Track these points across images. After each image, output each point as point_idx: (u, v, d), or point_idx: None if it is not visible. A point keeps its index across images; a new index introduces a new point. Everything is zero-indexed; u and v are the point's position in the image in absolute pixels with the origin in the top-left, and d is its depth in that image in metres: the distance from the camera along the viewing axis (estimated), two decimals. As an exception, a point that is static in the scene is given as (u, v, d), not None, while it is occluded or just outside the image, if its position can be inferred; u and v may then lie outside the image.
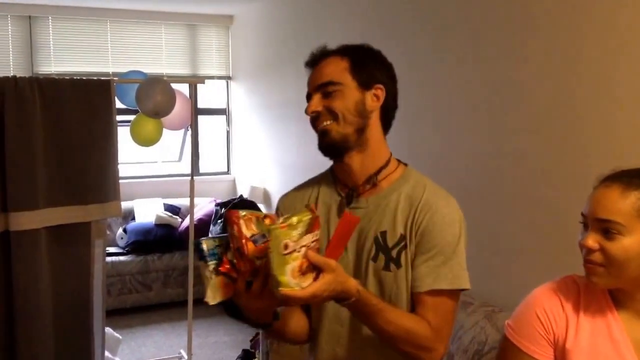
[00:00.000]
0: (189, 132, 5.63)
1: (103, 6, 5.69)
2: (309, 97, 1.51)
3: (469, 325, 2.64)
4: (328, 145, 1.48)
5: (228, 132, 6.66)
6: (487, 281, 2.94)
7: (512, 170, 2.80)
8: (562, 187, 2.54)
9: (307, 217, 1.23)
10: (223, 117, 6.63)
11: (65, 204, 2.86)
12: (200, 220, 5.51)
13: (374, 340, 1.46)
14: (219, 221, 5.39)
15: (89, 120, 2.89)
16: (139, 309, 5.29)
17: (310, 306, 1.60)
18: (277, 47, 5.33)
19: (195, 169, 6.08)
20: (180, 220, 5.74)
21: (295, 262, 1.21)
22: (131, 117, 3.79)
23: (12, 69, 5.50)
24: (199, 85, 5.32)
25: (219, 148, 6.69)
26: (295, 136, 4.91)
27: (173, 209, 5.86)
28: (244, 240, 1.26)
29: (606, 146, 2.33)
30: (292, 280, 1.21)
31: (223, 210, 5.50)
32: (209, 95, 6.51)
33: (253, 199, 5.69)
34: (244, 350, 4.23)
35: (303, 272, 1.22)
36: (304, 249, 1.22)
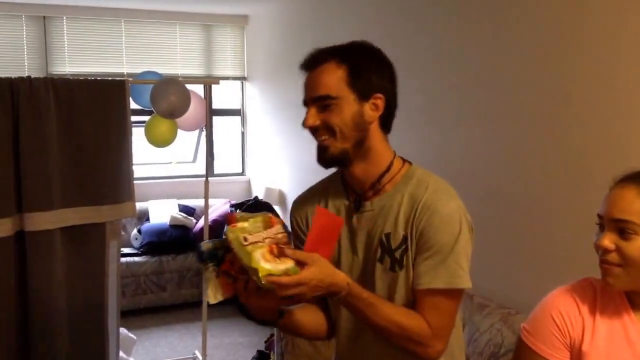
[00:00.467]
0: (204, 133, 5.65)
1: (118, 6, 5.71)
2: (305, 104, 1.48)
3: (484, 327, 2.62)
4: (327, 161, 1.47)
5: (243, 133, 6.66)
6: (503, 283, 2.91)
7: (527, 172, 2.78)
8: (578, 188, 2.51)
9: (260, 216, 1.32)
10: (238, 118, 6.64)
11: (80, 204, 2.87)
12: (214, 221, 5.52)
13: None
14: (234, 222, 5.39)
15: (103, 121, 2.90)
16: (154, 309, 5.31)
17: (329, 303, 1.61)
18: (293, 47, 5.32)
19: (209, 170, 6.08)
20: (194, 221, 5.75)
21: (261, 249, 1.27)
22: (146, 118, 3.80)
23: (26, 69, 5.54)
24: (213, 86, 5.33)
25: (233, 149, 6.70)
26: (310, 137, 4.87)
27: (188, 210, 5.87)
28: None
29: (623, 147, 2.30)
30: (266, 264, 1.25)
31: (237, 211, 5.50)
32: (224, 96, 6.52)
33: (268, 200, 5.69)
34: (259, 352, 4.22)
35: (276, 256, 1.27)
36: (267, 239, 1.28)
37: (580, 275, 1.51)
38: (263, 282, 1.23)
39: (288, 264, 1.28)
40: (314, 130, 1.47)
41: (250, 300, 1.36)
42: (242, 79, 6.46)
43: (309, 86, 1.46)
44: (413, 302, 1.46)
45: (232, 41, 6.39)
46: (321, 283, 1.30)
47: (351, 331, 1.57)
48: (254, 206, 5.45)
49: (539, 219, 2.72)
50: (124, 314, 3.29)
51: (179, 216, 5.68)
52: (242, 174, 6.73)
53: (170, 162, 6.27)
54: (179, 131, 3.82)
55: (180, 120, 3.68)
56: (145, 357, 4.38)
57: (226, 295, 1.37)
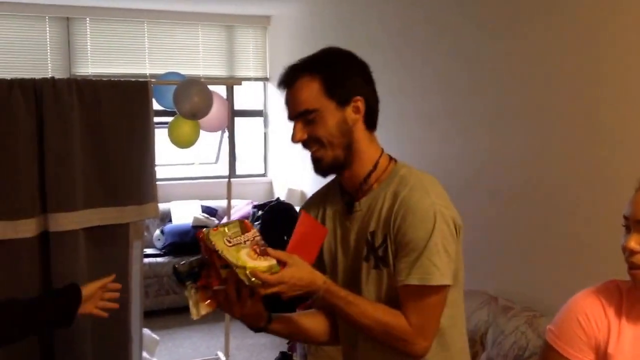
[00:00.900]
0: (226, 134, 5.67)
1: (141, 7, 5.75)
2: (290, 119, 1.52)
3: (509, 330, 2.59)
4: (323, 170, 1.51)
5: (265, 134, 6.67)
6: (527, 286, 2.88)
7: (551, 172, 2.74)
8: (604, 189, 2.47)
9: (234, 222, 1.39)
10: (260, 119, 6.65)
11: (103, 205, 2.89)
12: (237, 221, 5.52)
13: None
14: (256, 223, 5.41)
15: (126, 122, 2.92)
16: (176, 310, 5.33)
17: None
18: (315, 48, 5.29)
19: (232, 171, 6.11)
20: (217, 222, 5.77)
21: (246, 249, 1.34)
22: (169, 119, 3.83)
23: (50, 70, 5.60)
24: (235, 87, 5.35)
25: (255, 150, 6.72)
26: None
27: (210, 211, 5.90)
28: (211, 254, 1.37)
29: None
30: (251, 262, 1.32)
31: (260, 212, 5.52)
32: (246, 96, 6.54)
33: (290, 201, 5.70)
34: (282, 353, 4.22)
35: (259, 254, 1.34)
36: (248, 242, 1.36)
37: (606, 277, 1.50)
38: (250, 278, 1.30)
39: (271, 261, 1.34)
40: (304, 144, 1.51)
41: (233, 310, 1.43)
42: (264, 79, 6.48)
43: (289, 103, 1.51)
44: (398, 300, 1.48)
45: (254, 42, 6.40)
46: (299, 282, 1.35)
47: (350, 338, 1.61)
48: (276, 207, 5.45)
49: (564, 220, 2.69)
50: (147, 315, 3.31)
51: (202, 217, 5.71)
52: (264, 175, 6.74)
53: (193, 163, 6.30)
54: (202, 132, 3.84)
55: (202, 121, 3.70)
56: (168, 358, 4.40)
57: (208, 309, 1.44)
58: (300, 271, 1.36)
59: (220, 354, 4.16)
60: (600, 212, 2.49)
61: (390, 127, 3.98)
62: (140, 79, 3.09)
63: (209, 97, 3.45)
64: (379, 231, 1.48)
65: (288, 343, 4.24)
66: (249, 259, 1.33)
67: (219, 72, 6.27)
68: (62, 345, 2.78)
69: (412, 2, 3.83)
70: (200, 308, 1.43)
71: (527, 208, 2.90)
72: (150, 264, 5.28)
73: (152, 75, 5.76)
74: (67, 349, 2.80)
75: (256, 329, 1.53)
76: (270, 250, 1.35)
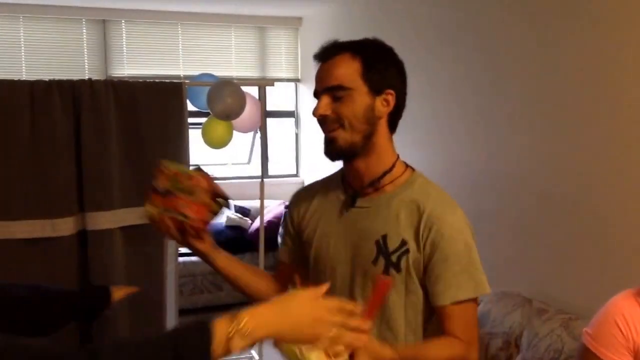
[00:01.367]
0: (259, 135, 5.70)
1: (175, 10, 5.82)
2: (316, 95, 1.48)
3: (544, 332, 2.56)
4: (334, 153, 1.48)
5: (296, 135, 6.70)
6: (562, 288, 2.84)
7: (588, 175, 2.70)
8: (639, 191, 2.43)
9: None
10: (292, 120, 6.68)
11: (139, 204, 2.91)
12: (269, 222, 5.56)
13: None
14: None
15: (161, 123, 2.95)
16: (211, 309, 5.37)
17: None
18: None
19: (264, 171, 6.14)
20: (250, 222, 5.81)
21: (317, 353, 1.17)
22: (202, 120, 3.87)
23: (87, 71, 5.70)
24: (268, 88, 5.37)
25: (287, 150, 6.74)
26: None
27: (243, 211, 5.94)
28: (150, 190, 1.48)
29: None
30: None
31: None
32: (278, 97, 6.57)
33: (321, 201, 5.69)
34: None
35: (333, 356, 1.18)
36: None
37: (645, 279, 1.47)
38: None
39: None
40: (323, 121, 1.46)
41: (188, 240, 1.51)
42: (296, 80, 6.50)
43: (322, 76, 1.46)
44: (403, 307, 1.46)
45: (286, 43, 6.43)
46: None
47: None
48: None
49: (600, 221, 2.65)
50: (182, 313, 3.34)
51: (235, 217, 5.75)
52: (296, 175, 6.76)
53: (226, 164, 6.35)
54: (235, 133, 3.87)
55: (235, 122, 3.73)
56: (201, 356, 4.44)
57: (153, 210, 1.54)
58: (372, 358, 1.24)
59: (254, 353, 4.18)
60: (637, 213, 2.44)
61: (422, 126, 3.96)
62: (174, 80, 3.13)
63: (241, 98, 3.48)
64: (395, 236, 1.44)
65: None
66: None
67: (251, 73, 6.31)
68: (99, 343, 2.82)
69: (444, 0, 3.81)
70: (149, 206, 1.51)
71: (562, 210, 2.86)
72: (184, 263, 5.32)
73: (186, 77, 5.82)
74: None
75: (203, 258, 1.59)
76: (348, 343, 1.18)
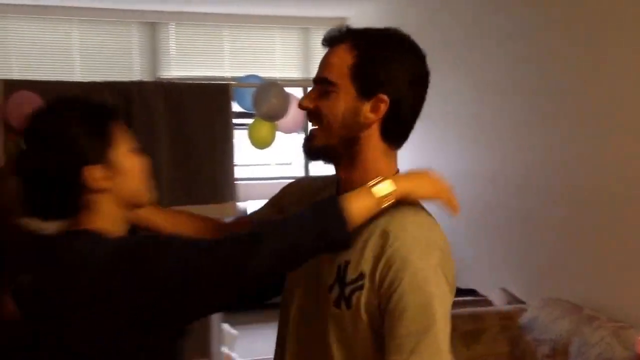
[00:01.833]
0: (302, 136, 5.72)
1: (221, 12, 5.89)
2: (314, 82, 1.30)
3: (594, 340, 2.50)
4: (310, 150, 1.29)
5: (339, 135, 6.68)
6: (613, 295, 2.77)
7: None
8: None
9: None
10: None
11: (186, 203, 2.97)
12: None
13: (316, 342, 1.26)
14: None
15: (208, 123, 3.00)
16: (254, 306, 5.39)
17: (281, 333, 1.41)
18: (390, 50, 5.28)
19: (306, 172, 6.15)
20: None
21: None
22: (248, 120, 3.90)
23: (136, 73, 5.82)
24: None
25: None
26: (410, 138, 4.83)
27: (285, 210, 5.95)
28: None
29: None
30: None
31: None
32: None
33: (364, 202, 5.67)
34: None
35: None
36: None
37: None
38: None
39: None
40: (309, 115, 1.29)
41: None
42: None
43: (320, 63, 1.29)
44: (361, 341, 1.19)
45: (329, 44, 6.42)
46: None
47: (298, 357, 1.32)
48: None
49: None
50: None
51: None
52: (338, 175, 6.75)
53: (270, 164, 6.39)
54: (278, 133, 3.89)
55: (279, 123, 3.75)
56: (246, 353, 4.46)
57: None
58: None
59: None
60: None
61: (470, 127, 3.92)
62: (221, 82, 3.17)
63: (286, 99, 3.50)
64: (356, 266, 1.19)
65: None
66: None
67: (295, 74, 6.33)
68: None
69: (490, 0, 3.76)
70: None
71: (614, 213, 2.78)
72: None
73: (232, 78, 5.87)
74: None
75: None
76: None
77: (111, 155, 1.23)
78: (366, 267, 1.18)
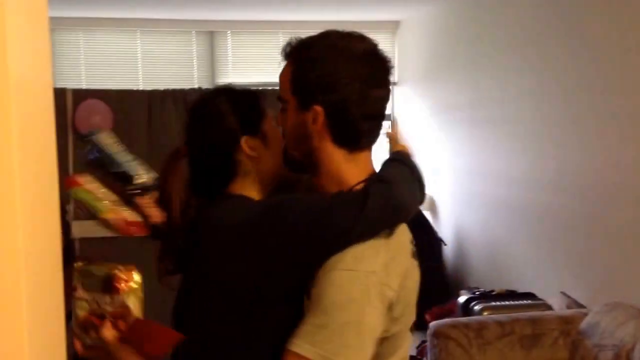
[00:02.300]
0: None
1: (277, 19, 6.00)
2: None
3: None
4: (285, 164, 1.34)
5: (393, 138, 6.68)
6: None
7: None
8: None
9: (104, 272, 1.15)
10: (387, 123, 6.68)
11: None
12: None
13: None
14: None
15: (265, 128, 3.07)
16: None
17: None
18: (446, 51, 5.26)
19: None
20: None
21: (80, 312, 1.13)
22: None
23: (196, 80, 5.98)
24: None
25: (383, 154, 6.74)
26: (465, 140, 4.80)
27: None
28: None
29: None
30: (77, 329, 1.13)
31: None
32: (375, 101, 6.58)
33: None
34: (411, 357, 4.22)
35: (87, 329, 1.12)
36: (98, 309, 1.13)
37: None
38: None
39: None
40: None
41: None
42: (393, 84, 6.50)
43: None
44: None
45: (383, 47, 6.42)
46: None
47: None
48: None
49: None
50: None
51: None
52: (392, 178, 6.74)
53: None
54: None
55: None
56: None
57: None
58: None
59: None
60: None
61: (531, 129, 3.87)
62: (277, 87, 3.22)
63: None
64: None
65: (418, 347, 4.22)
66: (76, 326, 1.14)
67: (349, 78, 6.37)
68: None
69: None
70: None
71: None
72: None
73: (288, 84, 5.97)
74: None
75: None
76: None
77: (263, 126, 1.37)
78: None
